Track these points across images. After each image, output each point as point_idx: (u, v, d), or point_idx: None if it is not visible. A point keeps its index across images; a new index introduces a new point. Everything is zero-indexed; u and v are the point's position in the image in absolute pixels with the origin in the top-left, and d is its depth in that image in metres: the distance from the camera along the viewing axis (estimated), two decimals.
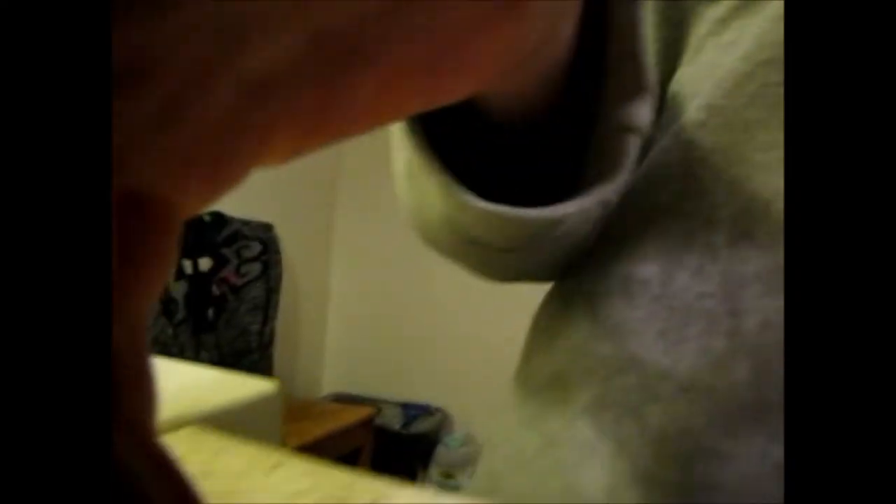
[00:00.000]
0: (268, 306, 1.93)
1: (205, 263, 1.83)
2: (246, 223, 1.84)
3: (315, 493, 0.20)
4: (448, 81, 0.14)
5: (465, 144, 0.26)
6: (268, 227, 1.89)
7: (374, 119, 0.13)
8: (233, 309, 1.87)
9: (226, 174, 0.12)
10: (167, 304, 1.75)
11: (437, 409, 2.09)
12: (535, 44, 0.20)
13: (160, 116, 0.11)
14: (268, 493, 0.20)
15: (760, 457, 0.25)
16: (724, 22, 0.31)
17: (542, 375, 0.33)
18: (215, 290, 1.85)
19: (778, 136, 0.27)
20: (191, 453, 0.23)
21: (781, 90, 0.27)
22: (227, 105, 0.11)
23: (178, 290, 1.76)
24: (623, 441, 0.28)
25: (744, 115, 0.27)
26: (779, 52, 0.27)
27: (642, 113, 0.25)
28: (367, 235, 2.14)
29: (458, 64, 0.13)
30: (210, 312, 1.83)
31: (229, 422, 0.28)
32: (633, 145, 0.25)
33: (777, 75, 0.27)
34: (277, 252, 1.93)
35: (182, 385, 0.30)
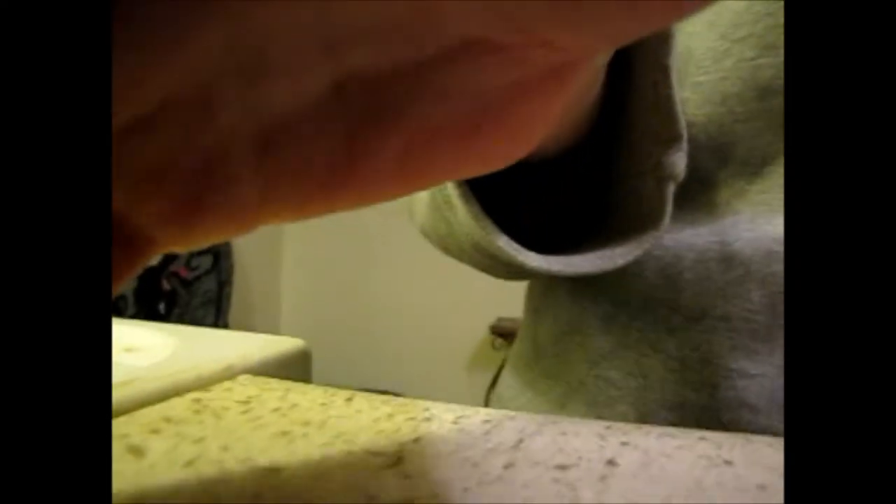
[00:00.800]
0: (220, 299, 1.90)
1: (153, 258, 1.79)
2: None
3: (399, 415, 0.21)
4: (485, 148, 0.12)
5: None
6: None
7: (401, 183, 0.12)
8: (184, 303, 1.84)
9: (206, 217, 0.11)
10: (116, 300, 1.70)
11: (391, 394, 2.11)
12: (578, 95, 0.19)
13: (140, 137, 0.10)
14: (356, 417, 0.21)
15: (778, 373, 0.27)
16: None
17: (556, 331, 0.35)
18: (165, 284, 1.80)
19: (753, 107, 0.28)
20: (262, 392, 0.23)
21: (755, 64, 0.28)
22: (223, 144, 0.10)
23: (127, 286, 1.71)
24: (648, 375, 0.30)
25: (719, 89, 0.29)
26: (753, 28, 0.28)
27: (679, 161, 0.25)
28: (318, 223, 2.13)
29: (503, 128, 0.12)
30: (161, 307, 1.79)
31: (272, 373, 0.28)
32: (671, 193, 0.26)
33: (751, 51, 0.28)
34: (228, 244, 1.90)
35: (225, 344, 0.31)
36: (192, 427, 0.20)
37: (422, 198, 0.30)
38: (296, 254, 2.23)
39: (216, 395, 0.23)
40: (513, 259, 0.24)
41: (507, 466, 0.18)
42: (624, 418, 0.31)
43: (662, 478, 0.17)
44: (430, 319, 2.06)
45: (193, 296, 1.87)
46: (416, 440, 0.19)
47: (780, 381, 0.27)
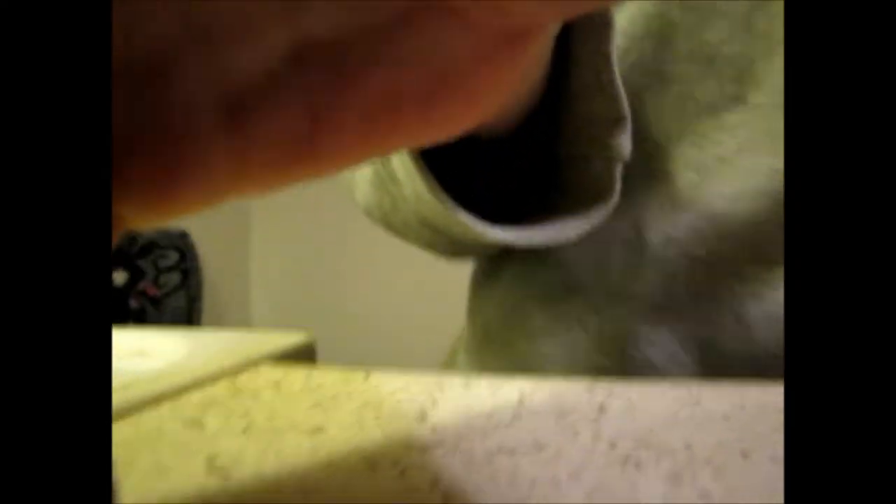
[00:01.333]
0: (191, 316, 1.89)
1: (120, 277, 1.77)
2: (160, 232, 1.80)
3: (414, 385, 0.24)
4: (444, 115, 0.12)
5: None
6: (183, 235, 1.85)
7: (363, 150, 0.12)
8: (153, 321, 1.83)
9: (178, 189, 0.11)
10: None
11: None
12: (529, 67, 0.21)
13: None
14: (376, 389, 0.24)
15: (676, 338, 0.31)
16: None
17: (500, 314, 0.38)
18: (133, 303, 1.79)
19: (663, 101, 0.32)
20: (287, 376, 0.26)
21: (656, 59, 0.31)
22: (189, 114, 0.11)
23: None
24: (574, 347, 0.34)
25: (628, 83, 0.30)
26: (650, 26, 0.32)
27: (625, 142, 0.27)
28: (287, 234, 2.13)
29: (455, 98, 0.12)
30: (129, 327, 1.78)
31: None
32: (619, 172, 0.28)
33: (650, 46, 0.32)
34: (196, 259, 1.89)
35: (234, 341, 0.33)
36: (236, 405, 0.23)
37: (363, 176, 0.31)
38: (265, 264, 2.24)
39: (246, 381, 0.26)
40: (467, 231, 0.26)
41: (515, 416, 0.21)
42: None
43: (646, 416, 0.21)
44: (407, 319, 2.08)
45: (163, 313, 1.86)
46: (434, 402, 0.22)
47: (679, 344, 0.31)
